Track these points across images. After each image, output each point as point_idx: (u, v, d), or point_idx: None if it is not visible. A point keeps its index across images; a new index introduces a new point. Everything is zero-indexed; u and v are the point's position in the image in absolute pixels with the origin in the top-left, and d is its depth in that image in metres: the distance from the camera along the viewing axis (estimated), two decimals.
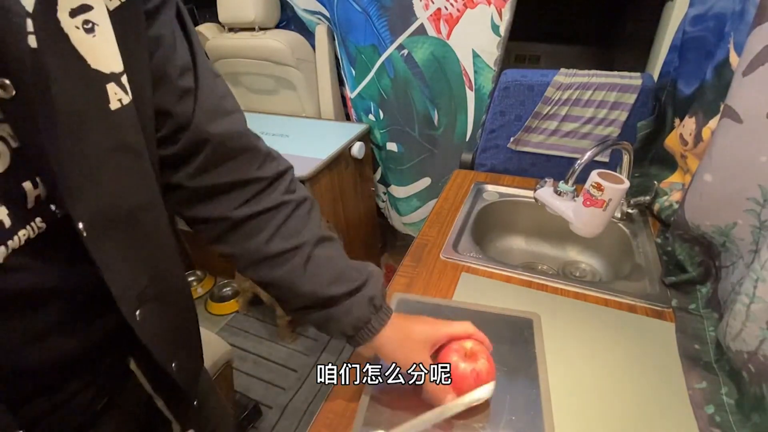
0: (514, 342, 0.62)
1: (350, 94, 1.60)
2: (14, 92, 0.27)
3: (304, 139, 1.53)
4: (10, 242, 0.30)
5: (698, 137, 0.76)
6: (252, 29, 1.56)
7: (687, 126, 0.79)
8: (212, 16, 1.67)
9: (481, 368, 0.50)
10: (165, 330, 0.43)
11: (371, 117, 1.59)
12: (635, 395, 0.55)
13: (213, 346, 1.05)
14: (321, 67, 1.60)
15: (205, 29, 1.66)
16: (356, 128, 1.57)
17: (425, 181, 1.64)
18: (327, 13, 1.47)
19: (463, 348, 0.52)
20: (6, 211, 0.29)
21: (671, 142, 0.87)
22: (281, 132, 1.58)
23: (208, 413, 0.59)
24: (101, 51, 0.32)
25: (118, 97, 0.34)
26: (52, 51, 0.29)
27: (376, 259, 2.03)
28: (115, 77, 0.33)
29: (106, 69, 0.33)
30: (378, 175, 1.80)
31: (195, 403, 0.54)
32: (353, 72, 1.51)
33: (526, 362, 0.59)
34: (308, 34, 1.58)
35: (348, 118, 1.74)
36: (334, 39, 1.54)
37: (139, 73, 0.36)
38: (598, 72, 0.97)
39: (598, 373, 0.58)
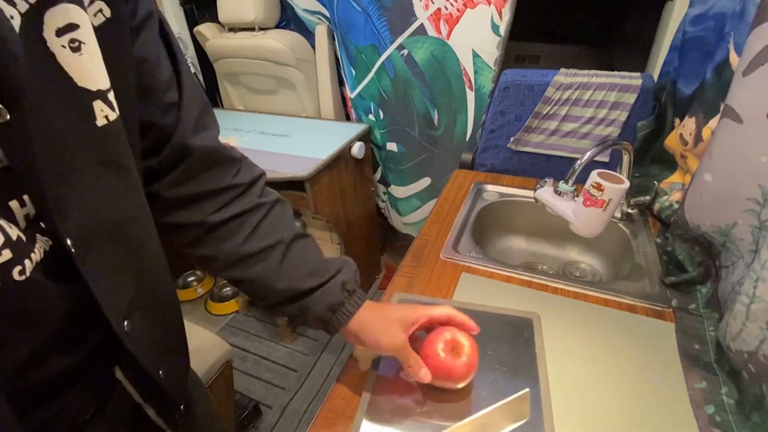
0: (514, 342, 0.62)
1: (350, 94, 1.60)
2: (8, 117, 0.27)
3: (304, 139, 1.53)
4: (33, 255, 0.31)
5: (698, 137, 0.76)
6: (252, 29, 1.56)
7: (687, 126, 0.79)
8: (212, 16, 1.67)
9: (458, 366, 0.51)
10: (153, 338, 0.44)
11: (371, 117, 1.59)
12: (635, 395, 0.55)
13: (213, 346, 1.05)
14: (321, 67, 1.60)
15: (205, 29, 1.66)
16: (356, 128, 1.57)
17: (425, 181, 1.64)
18: (327, 13, 1.47)
19: (453, 341, 0.52)
20: (15, 228, 0.30)
21: (671, 142, 0.87)
22: (281, 132, 1.58)
23: (198, 420, 0.59)
24: (88, 69, 0.32)
25: (104, 113, 0.34)
26: (38, 70, 0.29)
27: (376, 259, 2.03)
28: (101, 94, 0.33)
29: (92, 86, 0.33)
30: (378, 175, 1.80)
31: (182, 407, 0.53)
32: (353, 72, 1.51)
33: (526, 362, 0.59)
34: (308, 34, 1.58)
35: (348, 118, 1.74)
36: (334, 39, 1.54)
37: (126, 88, 0.37)
38: (598, 72, 0.97)
39: (598, 373, 0.58)
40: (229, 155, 0.50)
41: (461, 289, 0.74)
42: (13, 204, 0.31)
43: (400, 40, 1.34)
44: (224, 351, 1.06)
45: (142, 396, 0.46)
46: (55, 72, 0.30)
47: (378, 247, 2.03)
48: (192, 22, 1.71)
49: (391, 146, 1.62)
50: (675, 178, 0.88)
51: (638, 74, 0.96)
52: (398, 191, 1.72)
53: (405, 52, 1.36)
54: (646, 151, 0.98)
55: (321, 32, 1.53)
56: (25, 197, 0.31)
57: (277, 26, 1.63)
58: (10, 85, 0.27)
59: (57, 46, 0.30)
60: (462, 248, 0.85)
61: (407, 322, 0.51)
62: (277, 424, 1.40)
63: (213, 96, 1.93)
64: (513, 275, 0.77)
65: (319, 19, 1.51)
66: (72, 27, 0.31)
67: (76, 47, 0.31)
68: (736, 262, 0.61)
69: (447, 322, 0.53)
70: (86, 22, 0.32)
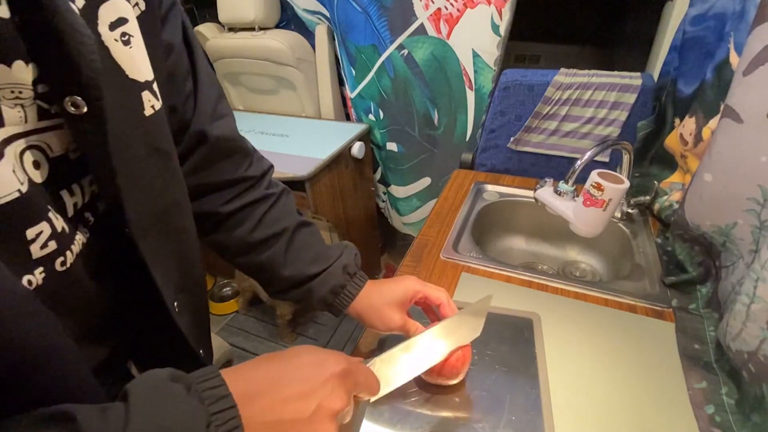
0: (514, 342, 0.62)
1: (350, 94, 1.60)
2: (86, 109, 0.28)
3: (304, 139, 1.53)
4: (73, 246, 0.31)
5: (698, 137, 0.76)
6: (252, 29, 1.56)
7: (687, 126, 0.79)
8: (212, 16, 1.67)
9: (449, 362, 0.51)
10: (194, 318, 0.46)
11: (371, 117, 1.59)
12: (635, 395, 0.55)
13: (213, 346, 1.05)
14: (321, 67, 1.60)
15: (205, 29, 1.66)
16: (356, 128, 1.57)
17: (425, 181, 1.64)
18: (327, 13, 1.47)
19: None
20: (61, 219, 0.30)
21: (671, 142, 0.87)
22: (281, 132, 1.58)
23: None
24: (136, 61, 0.33)
25: (151, 103, 0.36)
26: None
27: (376, 259, 2.03)
28: (148, 85, 0.35)
29: (141, 78, 0.34)
30: (378, 175, 1.80)
31: None
32: (353, 72, 1.51)
33: (526, 362, 0.59)
34: (308, 34, 1.58)
35: (348, 118, 1.74)
36: (334, 39, 1.54)
37: (161, 77, 0.38)
38: (598, 72, 0.97)
39: (598, 373, 0.58)
40: (243, 147, 0.52)
41: (461, 289, 0.74)
42: (64, 193, 0.32)
43: (400, 40, 1.34)
44: (224, 351, 1.06)
45: None
46: (111, 65, 0.31)
47: (378, 247, 2.03)
48: (192, 22, 1.71)
49: (391, 146, 1.62)
50: (675, 178, 0.88)
51: (638, 74, 0.96)
52: (398, 191, 1.72)
53: (405, 52, 1.36)
54: (646, 151, 0.98)
55: (321, 32, 1.53)
56: (75, 186, 0.33)
57: (277, 26, 1.63)
58: (88, 78, 0.27)
59: (110, 40, 0.31)
60: (462, 248, 0.85)
61: (404, 300, 0.53)
62: None
63: None
64: (513, 275, 0.77)
65: (319, 19, 1.51)
66: (122, 21, 0.32)
67: (126, 41, 0.32)
68: (736, 262, 0.61)
69: (438, 307, 0.55)
70: (132, 15, 0.33)
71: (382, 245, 2.07)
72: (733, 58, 0.67)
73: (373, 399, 0.41)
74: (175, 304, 0.41)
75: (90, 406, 0.26)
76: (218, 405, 0.28)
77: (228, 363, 1.09)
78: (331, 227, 1.61)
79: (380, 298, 0.53)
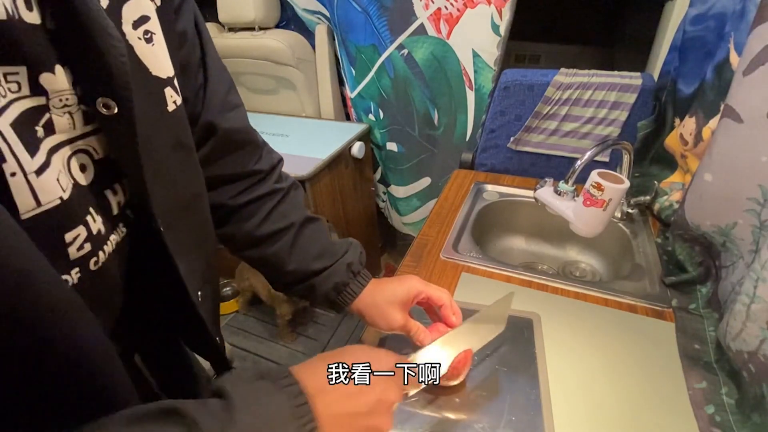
0: (514, 342, 0.62)
1: (350, 94, 1.60)
2: (116, 110, 0.29)
3: (304, 139, 1.53)
4: (105, 247, 0.32)
5: (698, 137, 0.76)
6: (252, 29, 1.56)
7: (687, 126, 0.79)
8: (212, 16, 1.67)
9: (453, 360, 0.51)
10: (211, 308, 0.47)
11: (371, 117, 1.59)
12: (635, 395, 0.55)
13: None
14: (321, 67, 1.60)
15: None
16: (356, 128, 1.57)
17: (425, 181, 1.64)
18: (327, 13, 1.47)
19: None
20: (101, 220, 0.31)
21: (671, 141, 0.87)
22: (281, 132, 1.58)
23: None
24: (159, 58, 0.34)
25: (173, 99, 0.36)
26: None
27: (376, 259, 2.03)
28: (170, 81, 0.35)
29: (163, 75, 0.35)
30: (378, 175, 1.80)
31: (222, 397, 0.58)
32: (353, 72, 1.51)
33: (526, 362, 0.59)
34: (308, 34, 1.58)
35: (348, 118, 1.74)
36: (334, 39, 1.54)
37: (177, 71, 0.38)
38: (598, 72, 0.97)
39: (598, 373, 0.58)
40: (253, 139, 0.52)
41: (461, 289, 0.74)
42: (108, 193, 0.33)
43: (400, 40, 1.34)
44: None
45: (160, 386, 0.48)
46: (136, 64, 0.32)
47: (378, 247, 2.03)
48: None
49: (391, 146, 1.62)
50: (675, 178, 0.88)
51: (638, 74, 0.96)
52: (398, 191, 1.72)
53: (405, 51, 1.36)
54: (646, 151, 0.98)
55: (321, 32, 1.53)
56: (117, 185, 0.33)
57: (277, 26, 1.63)
58: (118, 79, 0.28)
59: (134, 38, 0.31)
60: (462, 248, 0.85)
61: (406, 300, 0.53)
62: None
63: None
64: (513, 275, 0.77)
65: (319, 18, 1.51)
66: (145, 19, 0.32)
67: (149, 38, 0.33)
68: (736, 262, 0.61)
69: (440, 308, 0.55)
70: (154, 13, 0.33)
71: (382, 245, 2.07)
72: (733, 58, 0.67)
73: (411, 393, 0.43)
74: (199, 293, 0.42)
75: (190, 401, 0.28)
76: (297, 400, 0.31)
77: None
78: (331, 227, 1.61)
79: (383, 296, 0.53)
